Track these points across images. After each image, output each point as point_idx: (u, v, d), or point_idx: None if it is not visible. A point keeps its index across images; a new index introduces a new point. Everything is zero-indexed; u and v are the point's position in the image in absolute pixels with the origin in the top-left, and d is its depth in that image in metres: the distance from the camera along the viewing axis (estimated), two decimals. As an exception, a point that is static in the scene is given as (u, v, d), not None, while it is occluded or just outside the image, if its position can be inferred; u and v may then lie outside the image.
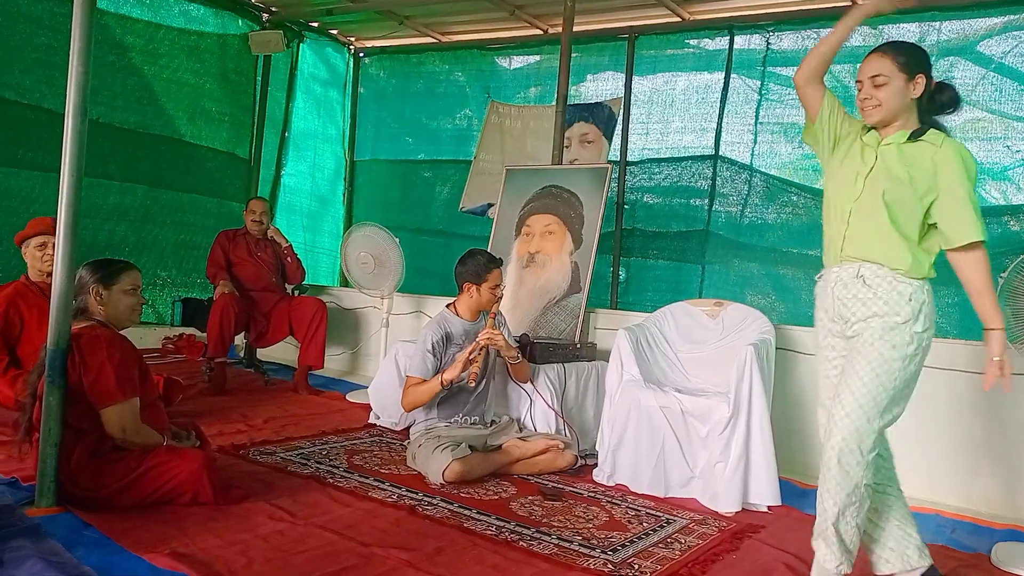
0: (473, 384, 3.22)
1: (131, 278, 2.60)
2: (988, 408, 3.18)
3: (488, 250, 4.61)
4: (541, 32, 5.93)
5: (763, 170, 5.09)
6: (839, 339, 2.23)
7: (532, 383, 3.54)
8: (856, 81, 2.19)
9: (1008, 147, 4.24)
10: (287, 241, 5.07)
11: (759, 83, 5.10)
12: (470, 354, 3.17)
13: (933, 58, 2.48)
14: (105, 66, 5.31)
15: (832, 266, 2.23)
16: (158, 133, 5.75)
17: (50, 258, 3.27)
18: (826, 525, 2.10)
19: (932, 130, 2.14)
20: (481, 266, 3.37)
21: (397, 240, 4.61)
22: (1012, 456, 3.13)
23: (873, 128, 2.19)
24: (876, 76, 2.11)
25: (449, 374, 3.16)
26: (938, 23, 4.56)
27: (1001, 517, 3.07)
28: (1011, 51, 4.36)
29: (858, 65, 2.17)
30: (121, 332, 2.59)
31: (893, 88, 2.10)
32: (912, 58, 2.11)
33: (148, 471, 2.43)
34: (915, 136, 2.13)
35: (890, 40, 2.23)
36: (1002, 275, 2.53)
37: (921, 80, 2.10)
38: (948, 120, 2.20)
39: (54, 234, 2.47)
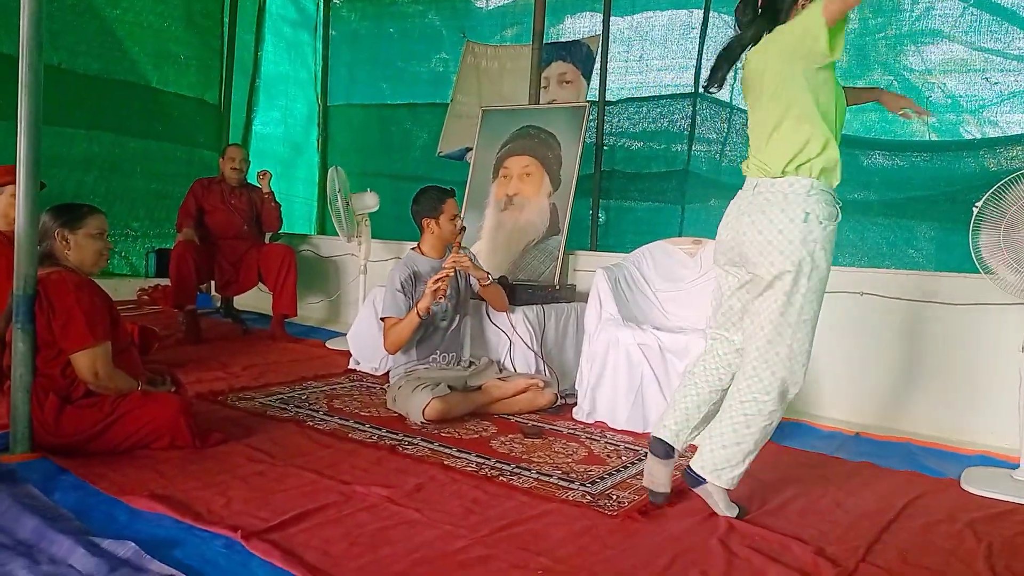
0: (442, 299, 3.20)
1: (97, 222, 2.53)
2: (958, 338, 3.23)
3: (465, 193, 4.60)
4: (517, -31, 5.77)
5: (743, 108, 5.02)
6: None
7: (510, 314, 3.54)
8: None
9: (987, 79, 4.21)
10: (269, 188, 4.98)
11: (738, 19, 5.00)
12: (436, 281, 3.15)
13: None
14: (64, 8, 5.11)
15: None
16: (123, 79, 5.58)
17: None
18: None
19: None
20: (435, 199, 3.39)
21: (340, 187, 4.45)
22: (983, 385, 3.18)
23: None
24: None
25: (423, 303, 3.15)
26: (920, -47, 4.48)
27: (971, 444, 3.13)
28: (991, -17, 4.30)
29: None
30: (90, 277, 2.54)
31: None
32: None
33: (123, 416, 2.41)
34: None
35: None
36: (976, 204, 2.53)
37: None
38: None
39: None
